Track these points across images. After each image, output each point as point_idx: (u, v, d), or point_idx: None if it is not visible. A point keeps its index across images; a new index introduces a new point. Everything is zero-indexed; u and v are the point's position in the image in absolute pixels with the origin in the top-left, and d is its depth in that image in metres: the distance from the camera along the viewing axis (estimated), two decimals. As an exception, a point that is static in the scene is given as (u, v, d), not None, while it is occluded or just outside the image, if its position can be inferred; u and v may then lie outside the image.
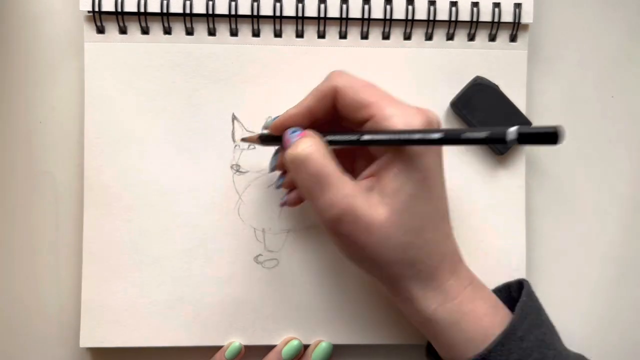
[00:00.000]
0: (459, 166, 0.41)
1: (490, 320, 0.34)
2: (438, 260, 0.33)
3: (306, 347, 0.40)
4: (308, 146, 0.32)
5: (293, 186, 0.38)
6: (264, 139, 0.36)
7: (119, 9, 0.39)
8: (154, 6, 0.39)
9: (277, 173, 0.39)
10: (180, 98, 0.40)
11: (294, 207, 0.40)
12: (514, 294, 0.38)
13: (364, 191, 0.32)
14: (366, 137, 0.32)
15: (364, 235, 0.32)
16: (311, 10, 0.39)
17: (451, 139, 0.30)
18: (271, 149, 0.38)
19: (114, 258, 0.39)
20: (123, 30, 0.39)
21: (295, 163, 0.32)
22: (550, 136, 0.27)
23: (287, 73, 0.40)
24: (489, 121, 0.40)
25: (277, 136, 0.35)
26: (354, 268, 0.39)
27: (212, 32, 0.40)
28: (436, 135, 0.30)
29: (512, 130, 0.28)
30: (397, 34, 0.40)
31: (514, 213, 0.41)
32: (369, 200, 0.32)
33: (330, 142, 0.34)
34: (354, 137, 0.33)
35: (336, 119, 0.35)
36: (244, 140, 0.39)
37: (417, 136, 0.30)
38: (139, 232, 0.40)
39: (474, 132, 0.29)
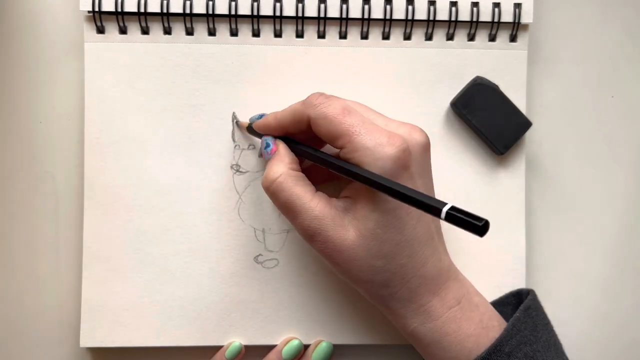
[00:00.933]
0: (459, 166, 0.41)
1: (474, 342, 0.33)
2: (416, 283, 0.33)
3: (306, 347, 0.40)
4: (277, 177, 0.34)
5: None
6: (250, 131, 0.38)
7: (119, 9, 0.39)
8: (154, 6, 0.39)
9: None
10: (180, 98, 0.40)
11: None
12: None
13: (337, 212, 0.33)
14: (324, 159, 0.34)
15: (334, 253, 0.33)
16: (311, 10, 0.39)
17: (390, 190, 0.30)
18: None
19: (114, 258, 0.39)
20: (123, 30, 0.39)
21: (268, 193, 0.35)
22: (475, 227, 0.26)
23: (287, 73, 0.40)
24: (489, 121, 0.40)
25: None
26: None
27: (212, 32, 0.40)
28: (386, 184, 0.30)
29: (445, 208, 0.28)
30: (397, 34, 0.40)
31: (514, 213, 0.41)
32: (342, 221, 0.33)
33: (299, 154, 0.36)
34: (314, 157, 0.34)
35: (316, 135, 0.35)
36: (238, 123, 0.40)
37: (365, 175, 0.31)
38: (139, 232, 0.40)
39: (413, 195, 0.29)
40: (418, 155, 0.33)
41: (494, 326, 0.34)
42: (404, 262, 0.33)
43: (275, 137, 0.36)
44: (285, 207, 0.34)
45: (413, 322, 0.34)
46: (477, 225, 0.26)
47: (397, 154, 0.31)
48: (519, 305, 0.38)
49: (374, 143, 0.32)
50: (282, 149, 0.35)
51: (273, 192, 0.34)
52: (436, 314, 0.34)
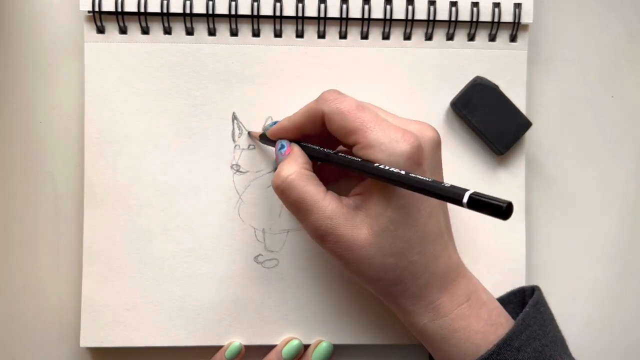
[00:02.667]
0: (459, 166, 0.41)
1: (483, 338, 0.34)
2: (426, 280, 0.33)
3: (306, 346, 0.40)
4: (289, 175, 0.34)
5: None
6: (263, 140, 0.38)
7: (119, 9, 0.39)
8: (154, 6, 0.39)
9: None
10: (180, 98, 0.40)
11: None
12: (528, 299, 0.38)
13: (348, 210, 0.33)
14: (334, 159, 0.34)
15: (345, 252, 0.33)
16: (311, 10, 0.39)
17: (408, 185, 0.30)
18: (268, 150, 0.40)
19: (114, 258, 0.39)
20: (123, 30, 0.39)
21: (278, 192, 0.34)
22: (498, 209, 0.26)
23: (287, 73, 0.40)
24: (489, 121, 0.40)
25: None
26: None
27: (212, 32, 0.40)
28: (403, 179, 0.30)
29: (466, 195, 0.27)
30: (397, 34, 0.40)
31: (514, 213, 0.40)
32: (353, 220, 0.33)
33: (312, 157, 0.35)
34: (325, 156, 0.34)
35: (330, 136, 0.35)
36: (249, 133, 0.40)
37: (380, 172, 0.31)
38: (139, 232, 0.40)
39: (432, 184, 0.29)
40: (430, 152, 0.33)
41: (502, 323, 0.35)
42: (415, 259, 0.33)
43: (291, 141, 0.36)
44: (297, 206, 0.34)
45: (422, 319, 0.34)
46: (500, 209, 0.26)
47: (411, 150, 0.32)
48: (521, 304, 0.38)
49: (389, 139, 0.32)
50: (296, 150, 0.35)
51: (283, 191, 0.34)
52: (445, 311, 0.34)
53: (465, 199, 0.27)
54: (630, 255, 0.43)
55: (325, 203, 0.33)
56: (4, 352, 0.41)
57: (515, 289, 0.40)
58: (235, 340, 0.40)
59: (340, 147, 0.38)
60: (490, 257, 0.41)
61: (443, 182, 0.29)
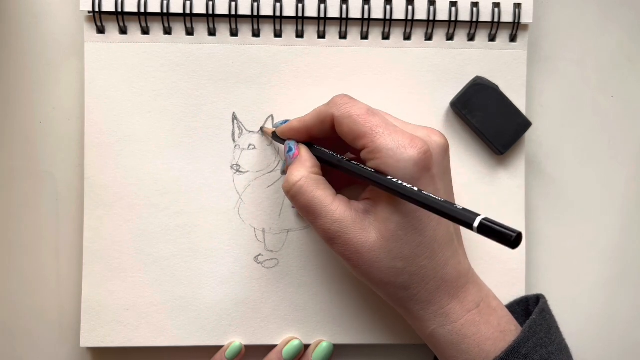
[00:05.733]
0: (459, 166, 0.41)
1: (493, 345, 0.33)
2: (435, 285, 0.33)
3: (306, 346, 0.40)
4: (297, 180, 0.34)
5: None
6: (274, 137, 0.39)
7: (119, 9, 0.39)
8: (154, 6, 0.39)
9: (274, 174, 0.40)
10: (180, 98, 0.40)
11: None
12: (532, 308, 0.38)
13: (357, 214, 0.34)
14: (345, 165, 0.34)
15: (354, 255, 0.34)
16: (311, 10, 0.39)
17: (420, 203, 0.30)
18: (268, 150, 0.40)
19: (114, 258, 0.39)
20: (123, 30, 0.39)
21: (289, 196, 0.35)
22: (508, 238, 0.27)
23: (287, 73, 0.40)
24: (488, 121, 0.40)
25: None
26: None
27: (212, 32, 0.40)
28: (402, 191, 0.31)
29: (477, 220, 0.28)
30: (397, 34, 0.40)
31: (514, 213, 0.41)
32: (362, 224, 0.34)
33: (322, 161, 0.36)
34: (335, 161, 0.35)
35: (338, 139, 0.35)
36: (262, 128, 0.40)
37: (392, 186, 0.31)
38: (139, 232, 0.40)
39: (444, 205, 0.29)
40: (438, 157, 0.34)
41: (512, 330, 0.35)
42: (424, 263, 0.33)
43: (299, 142, 0.37)
44: (306, 210, 0.34)
45: (432, 324, 0.34)
46: (509, 238, 0.27)
47: (419, 156, 0.32)
48: (524, 313, 0.38)
49: (396, 145, 0.32)
50: (305, 153, 0.36)
51: (294, 195, 0.35)
52: (455, 317, 0.34)
53: (475, 224, 0.27)
54: (630, 256, 0.43)
55: (334, 207, 0.34)
56: (4, 352, 0.41)
57: (518, 298, 0.40)
58: (235, 340, 0.40)
59: (348, 154, 0.38)
60: (490, 257, 0.41)
61: (455, 204, 0.29)
